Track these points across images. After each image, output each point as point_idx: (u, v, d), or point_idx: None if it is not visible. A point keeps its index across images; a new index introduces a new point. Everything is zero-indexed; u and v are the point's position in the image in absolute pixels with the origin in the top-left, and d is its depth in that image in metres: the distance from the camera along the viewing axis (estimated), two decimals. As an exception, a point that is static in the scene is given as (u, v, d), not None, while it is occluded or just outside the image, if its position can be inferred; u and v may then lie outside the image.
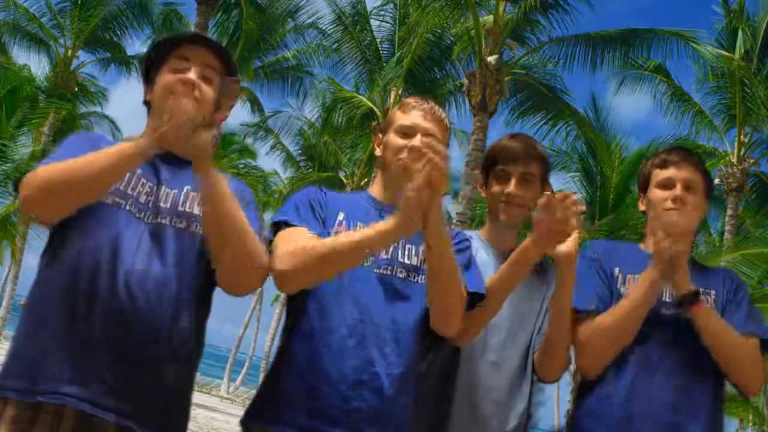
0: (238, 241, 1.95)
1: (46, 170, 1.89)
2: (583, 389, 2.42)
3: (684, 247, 2.24)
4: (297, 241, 2.04)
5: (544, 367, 2.38)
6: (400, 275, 2.17)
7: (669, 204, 2.40)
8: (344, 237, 2.02)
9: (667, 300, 2.36)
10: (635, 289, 2.31)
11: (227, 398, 29.46)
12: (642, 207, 2.54)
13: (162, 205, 2.04)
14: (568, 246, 2.17)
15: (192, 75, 2.07)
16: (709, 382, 2.33)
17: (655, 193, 2.45)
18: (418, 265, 2.20)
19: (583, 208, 2.14)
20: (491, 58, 12.99)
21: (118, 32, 21.93)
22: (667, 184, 2.44)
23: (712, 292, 2.42)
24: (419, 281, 2.18)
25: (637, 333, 2.32)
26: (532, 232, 2.16)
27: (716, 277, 2.48)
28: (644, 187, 2.53)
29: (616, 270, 2.44)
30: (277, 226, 2.13)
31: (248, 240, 1.97)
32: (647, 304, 2.28)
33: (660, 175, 2.46)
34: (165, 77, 2.09)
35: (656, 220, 2.41)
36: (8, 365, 1.92)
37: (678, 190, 2.41)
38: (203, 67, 2.10)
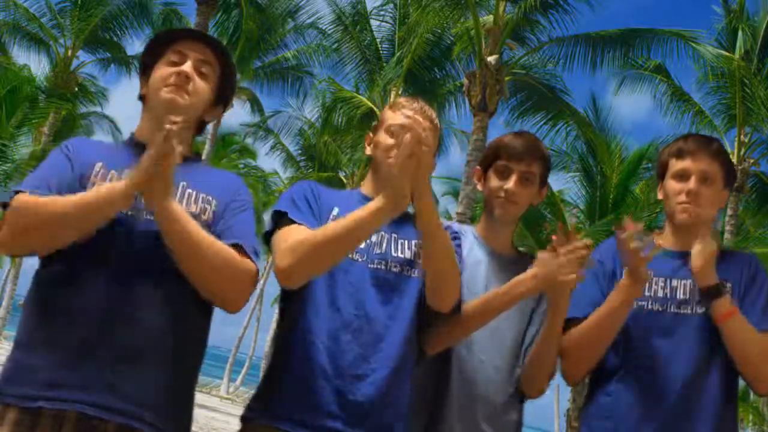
0: (203, 266, 1.90)
1: (24, 214, 1.84)
2: (593, 387, 2.42)
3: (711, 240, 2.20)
4: (295, 236, 2.04)
5: (527, 381, 2.38)
6: (395, 270, 2.19)
7: (683, 197, 2.35)
8: (337, 223, 2.02)
9: (681, 297, 2.33)
10: (611, 298, 2.28)
11: (227, 398, 29.45)
12: (660, 195, 2.48)
13: None
14: (574, 275, 2.18)
15: (187, 68, 2.07)
16: (720, 380, 2.28)
17: (671, 185, 2.40)
18: (412, 258, 2.22)
19: (592, 263, 2.19)
20: (491, 58, 12.99)
21: (118, 32, 21.94)
22: (682, 175, 2.38)
23: (729, 283, 2.35)
24: (413, 275, 2.20)
25: (649, 331, 2.30)
26: (534, 264, 2.20)
27: (735, 266, 2.39)
28: (662, 175, 2.47)
29: (623, 271, 2.39)
30: (278, 217, 2.13)
31: (215, 261, 1.90)
32: (622, 313, 2.26)
33: (676, 165, 2.40)
34: (160, 70, 2.09)
35: (668, 214, 2.39)
36: (8, 370, 1.91)
37: (692, 183, 2.34)
38: (199, 62, 2.10)
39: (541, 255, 2.19)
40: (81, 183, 1.95)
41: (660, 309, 2.31)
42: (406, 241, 2.25)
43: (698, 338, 2.28)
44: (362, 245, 2.19)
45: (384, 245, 2.22)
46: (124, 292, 1.89)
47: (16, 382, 1.86)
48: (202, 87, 2.09)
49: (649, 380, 2.28)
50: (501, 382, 2.36)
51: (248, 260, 1.97)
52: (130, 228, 1.95)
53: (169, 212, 1.86)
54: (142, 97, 2.15)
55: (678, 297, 2.33)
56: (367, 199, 2.29)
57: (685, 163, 2.38)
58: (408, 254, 2.22)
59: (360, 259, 2.17)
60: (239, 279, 1.95)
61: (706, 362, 2.27)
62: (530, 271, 2.20)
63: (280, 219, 2.13)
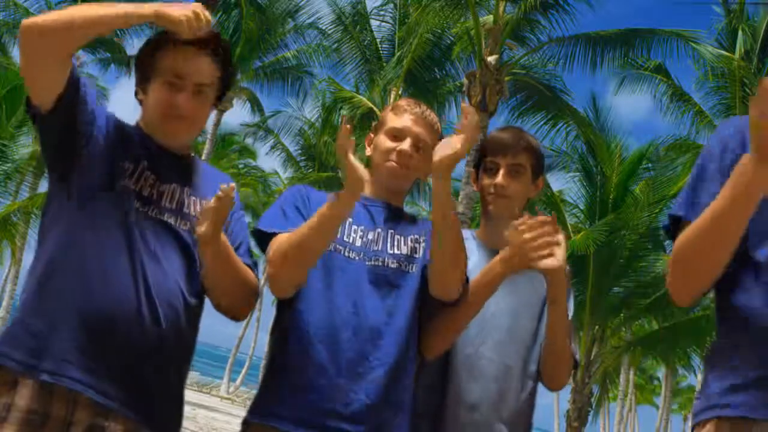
0: (234, 288, 2.12)
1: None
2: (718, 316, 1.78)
3: None
4: (275, 246, 2.09)
5: (546, 375, 2.38)
6: (392, 266, 2.20)
7: None
8: (303, 225, 2.06)
9: None
10: (729, 182, 1.59)
11: (227, 398, 29.47)
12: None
13: (166, 203, 2.04)
14: (555, 260, 2.15)
15: (184, 101, 2.04)
16: None
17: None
18: (409, 254, 2.23)
19: (561, 237, 2.15)
20: (491, 58, 12.99)
21: (118, 32, 21.90)
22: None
23: None
24: (410, 271, 2.21)
25: None
26: (502, 249, 2.19)
27: None
28: None
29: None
30: (266, 236, 2.14)
31: (243, 282, 2.12)
32: (746, 201, 1.56)
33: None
34: (159, 92, 2.07)
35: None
36: (10, 332, 1.91)
37: None
38: (198, 85, 2.07)
39: (510, 233, 2.16)
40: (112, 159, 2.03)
41: None
42: (402, 238, 2.26)
43: None
44: (359, 243, 2.20)
45: (380, 243, 2.23)
46: (133, 293, 1.92)
47: (18, 345, 1.86)
48: (201, 111, 2.11)
49: None
50: (514, 380, 2.35)
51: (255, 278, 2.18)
52: (142, 228, 1.98)
53: (223, 248, 2.03)
54: (138, 99, 2.16)
55: None
56: (367, 200, 2.29)
57: None
58: (405, 250, 2.23)
59: (357, 258, 2.18)
60: (253, 298, 2.19)
61: None
62: (506, 250, 2.19)
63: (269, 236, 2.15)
